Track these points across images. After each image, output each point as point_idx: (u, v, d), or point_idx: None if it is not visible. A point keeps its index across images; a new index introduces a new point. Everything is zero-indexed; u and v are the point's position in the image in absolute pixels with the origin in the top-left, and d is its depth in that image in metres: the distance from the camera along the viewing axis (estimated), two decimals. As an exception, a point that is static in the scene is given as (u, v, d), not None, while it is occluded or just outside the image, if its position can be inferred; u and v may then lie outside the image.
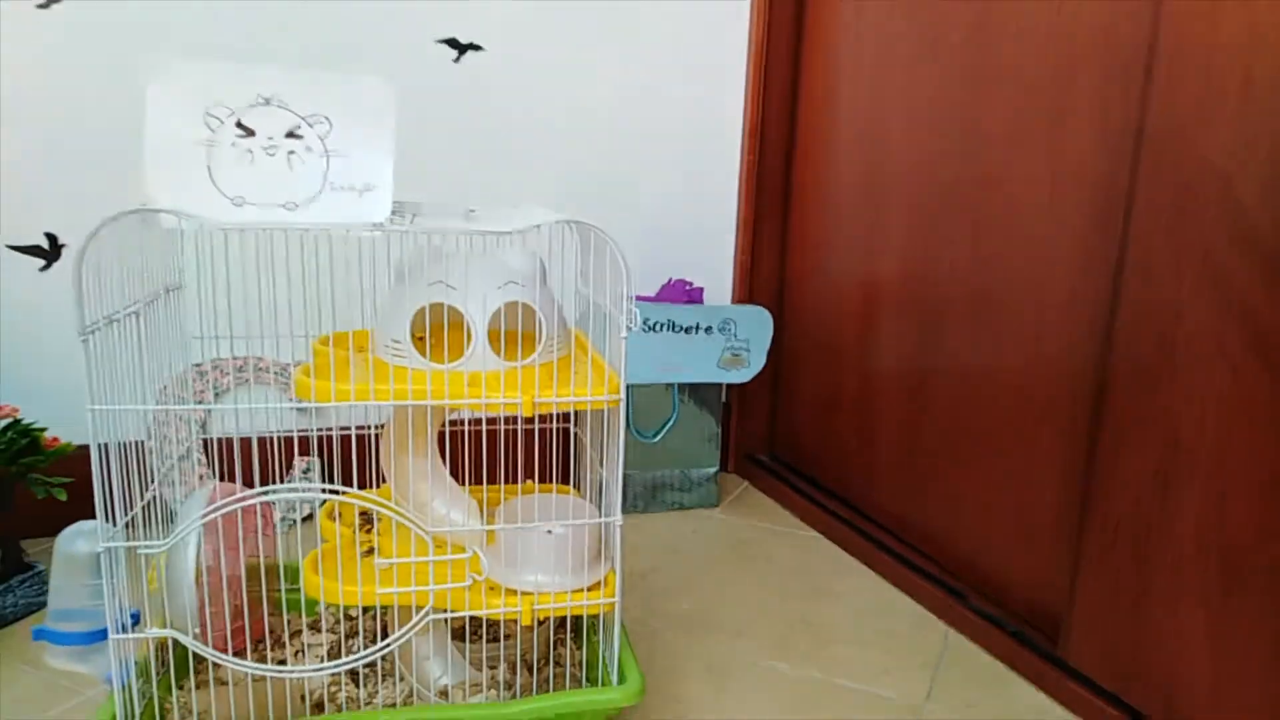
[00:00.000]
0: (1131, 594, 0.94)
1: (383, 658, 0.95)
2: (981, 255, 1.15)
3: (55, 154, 1.25)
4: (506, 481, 1.04)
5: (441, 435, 0.94)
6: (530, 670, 0.96)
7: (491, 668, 0.95)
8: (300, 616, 1.02)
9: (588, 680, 0.96)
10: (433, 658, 0.91)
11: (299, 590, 0.86)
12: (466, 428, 1.05)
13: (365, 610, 1.04)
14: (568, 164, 1.50)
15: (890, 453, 1.36)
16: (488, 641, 0.99)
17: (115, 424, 0.74)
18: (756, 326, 1.47)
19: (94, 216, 0.69)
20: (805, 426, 1.58)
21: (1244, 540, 0.83)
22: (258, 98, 0.72)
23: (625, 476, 1.47)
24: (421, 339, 0.86)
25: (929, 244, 1.25)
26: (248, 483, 0.86)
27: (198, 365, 1.34)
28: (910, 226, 1.28)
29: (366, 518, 0.96)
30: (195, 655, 0.89)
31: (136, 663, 0.81)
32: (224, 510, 0.80)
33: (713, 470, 1.54)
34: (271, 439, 0.95)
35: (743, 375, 1.48)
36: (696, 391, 1.51)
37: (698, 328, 1.44)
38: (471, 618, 0.99)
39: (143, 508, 0.78)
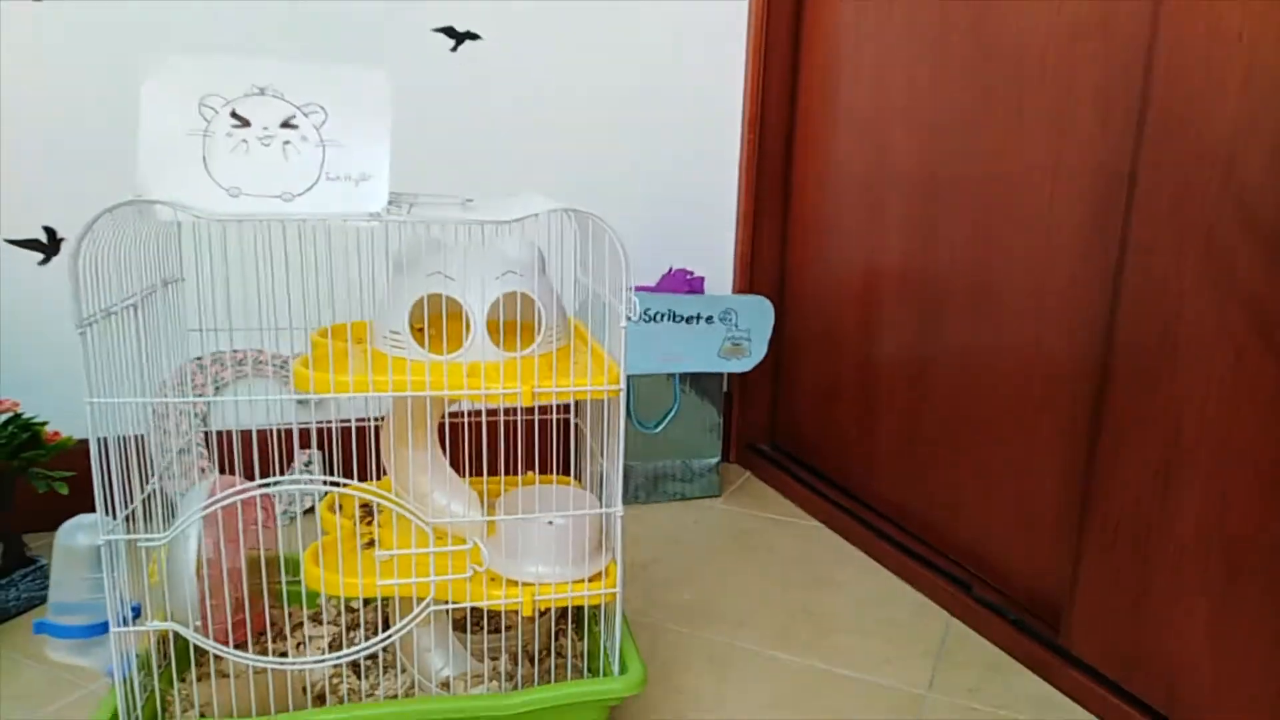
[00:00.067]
0: (1133, 582, 0.94)
1: (384, 649, 0.95)
2: (982, 243, 1.15)
3: (54, 149, 1.25)
4: (507, 473, 1.04)
5: (442, 427, 0.93)
6: (532, 661, 0.96)
7: (493, 659, 0.94)
8: (302, 609, 1.02)
9: (589, 671, 0.96)
10: (434, 649, 0.91)
11: (300, 582, 0.86)
12: (466, 419, 1.04)
13: (366, 602, 1.04)
14: (567, 153, 1.50)
15: (891, 442, 1.36)
16: (489, 633, 0.99)
17: (115, 417, 0.74)
18: (757, 316, 1.47)
19: (92, 210, 0.69)
20: (806, 416, 1.58)
21: (1246, 528, 0.83)
22: (252, 87, 0.72)
23: (626, 467, 1.47)
24: (421, 330, 0.86)
25: (929, 233, 1.24)
26: (248, 476, 0.86)
27: (198, 359, 1.33)
28: (911, 215, 1.28)
29: (367, 510, 0.96)
30: (196, 648, 0.89)
31: (138, 656, 0.81)
32: (224, 503, 0.80)
33: (714, 460, 1.54)
34: (272, 432, 0.95)
35: (744, 365, 1.48)
36: (698, 381, 1.51)
37: (698, 317, 1.44)
38: (473, 609, 0.99)
39: (143, 501, 0.78)
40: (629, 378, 1.46)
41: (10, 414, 1.13)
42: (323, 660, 0.85)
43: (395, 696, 0.90)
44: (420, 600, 0.83)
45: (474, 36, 1.40)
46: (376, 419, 0.94)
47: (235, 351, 1.36)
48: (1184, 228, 0.86)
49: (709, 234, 1.62)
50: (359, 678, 0.92)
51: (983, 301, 1.16)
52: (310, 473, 1.38)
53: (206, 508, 0.80)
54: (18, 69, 1.22)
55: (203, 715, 0.85)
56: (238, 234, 0.84)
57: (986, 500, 1.18)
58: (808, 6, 1.50)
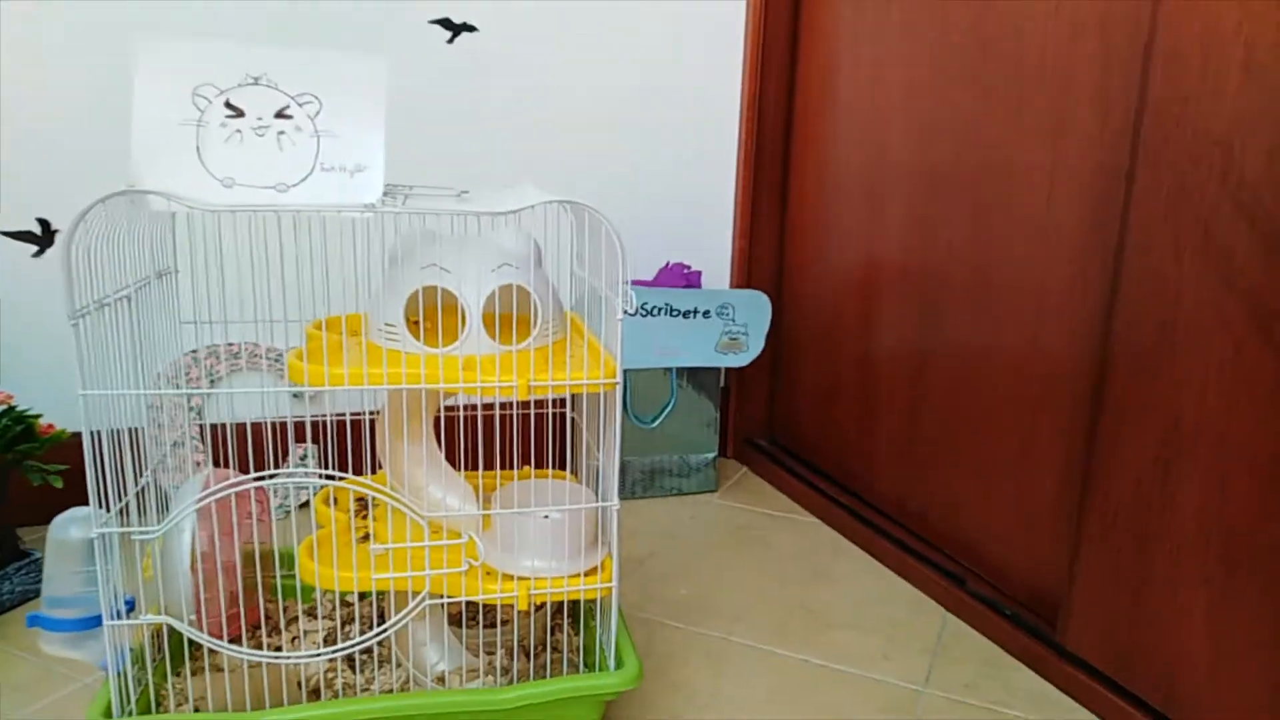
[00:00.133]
0: (1131, 578, 0.94)
1: (380, 643, 0.94)
2: (981, 240, 1.15)
3: (48, 139, 1.24)
4: (503, 467, 1.04)
5: (437, 420, 0.93)
6: (527, 656, 0.96)
7: (489, 653, 0.94)
8: (297, 603, 1.02)
9: (585, 665, 0.96)
10: (429, 643, 0.91)
11: (295, 576, 0.85)
12: (462, 413, 1.04)
13: (362, 596, 1.03)
14: (565, 152, 1.49)
15: (889, 437, 1.36)
16: (485, 627, 0.99)
17: (108, 410, 0.73)
18: (754, 311, 1.46)
19: (86, 202, 0.68)
20: (804, 411, 1.58)
21: (1245, 521, 0.82)
22: (246, 77, 0.71)
23: (623, 462, 1.46)
24: (416, 323, 0.85)
25: (928, 228, 1.24)
26: (243, 469, 0.85)
27: (192, 351, 1.33)
28: (909, 210, 1.28)
29: (362, 503, 0.95)
30: (191, 642, 0.89)
31: (132, 649, 0.80)
32: (218, 495, 0.80)
33: (711, 455, 1.53)
34: (267, 425, 0.94)
35: (741, 359, 1.48)
36: (695, 376, 1.50)
37: (695, 312, 1.43)
38: (468, 603, 0.99)
39: (137, 494, 0.78)
40: (626, 372, 1.46)
41: (4, 407, 1.12)
42: (318, 654, 0.85)
43: (391, 691, 0.89)
44: (416, 594, 0.83)
45: (470, 28, 1.40)
46: (372, 412, 0.93)
47: (230, 344, 1.36)
48: (1182, 224, 0.85)
49: (707, 231, 1.62)
50: (354, 672, 0.92)
51: (982, 298, 1.15)
52: (306, 466, 1.38)
53: (201, 501, 0.79)
54: (13, 61, 1.21)
55: (197, 709, 0.85)
56: (232, 225, 0.84)
57: (985, 496, 1.18)
58: (806, 6, 1.49)
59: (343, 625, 1.00)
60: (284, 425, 1.25)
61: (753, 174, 1.58)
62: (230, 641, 0.81)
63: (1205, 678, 0.88)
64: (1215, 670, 0.87)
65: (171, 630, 0.81)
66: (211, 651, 0.88)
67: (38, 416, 1.14)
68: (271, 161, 0.72)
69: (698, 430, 1.52)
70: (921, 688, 1.02)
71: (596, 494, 0.88)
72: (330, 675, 0.91)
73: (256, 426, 1.20)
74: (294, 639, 0.97)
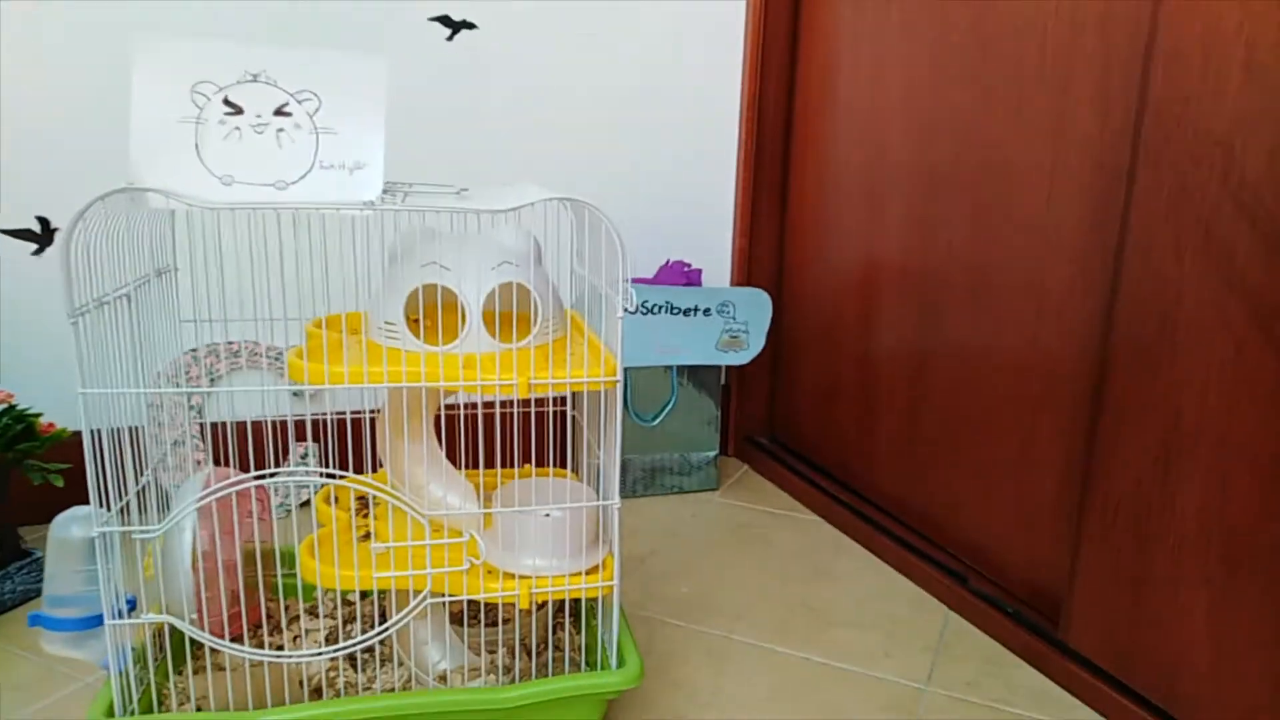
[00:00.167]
0: (1132, 576, 0.94)
1: (381, 642, 0.94)
2: (981, 240, 1.14)
3: (48, 137, 1.24)
4: (503, 465, 1.04)
5: (438, 419, 0.93)
6: (529, 654, 0.96)
7: (490, 652, 0.94)
8: (298, 601, 1.02)
9: (587, 664, 0.96)
10: (431, 642, 0.91)
11: (296, 575, 0.85)
12: (462, 411, 1.04)
13: (363, 595, 1.03)
14: (565, 152, 1.49)
15: (890, 435, 1.36)
16: (486, 626, 0.98)
17: (108, 408, 0.73)
18: (755, 309, 1.46)
19: (86, 200, 0.68)
20: (805, 409, 1.58)
21: (1246, 520, 0.82)
22: (245, 74, 0.71)
23: (624, 460, 1.46)
24: (416, 321, 0.85)
25: (928, 228, 1.24)
26: (244, 468, 0.85)
27: (192, 350, 1.33)
28: (909, 210, 1.27)
29: (363, 502, 0.95)
30: (192, 641, 0.89)
31: (133, 648, 0.80)
32: (219, 494, 0.80)
33: (712, 454, 1.53)
34: (267, 424, 0.94)
35: (741, 357, 1.47)
36: (695, 374, 1.50)
37: (696, 310, 1.43)
38: (470, 602, 0.99)
39: (138, 493, 0.78)
40: (626, 370, 1.46)
41: (4, 405, 1.12)
42: (319, 653, 0.85)
43: (392, 690, 0.89)
44: (417, 593, 0.83)
45: (470, 26, 1.39)
46: (372, 411, 0.93)
47: (230, 343, 1.36)
48: (1183, 224, 0.85)
49: (707, 231, 1.62)
50: (356, 671, 0.92)
51: (982, 297, 1.15)
52: (306, 465, 1.38)
53: (201, 500, 0.79)
54: (14, 61, 1.21)
55: (198, 709, 0.85)
56: (231, 223, 0.83)
57: (985, 495, 1.18)
58: (805, 5, 1.49)
59: (344, 624, 0.99)
60: (284, 424, 1.25)
61: (753, 173, 1.58)
62: (231, 640, 0.81)
63: (1206, 676, 0.87)
64: (1216, 668, 0.86)
65: (173, 629, 0.81)
66: (213, 650, 0.88)
67: (38, 415, 1.14)
68: (270, 159, 0.71)
69: (698, 428, 1.52)
70: (923, 685, 1.02)
71: (597, 492, 0.88)
72: (331, 674, 0.91)
73: (257, 425, 1.20)
74: (295, 638, 0.97)
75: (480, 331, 0.81)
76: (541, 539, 0.85)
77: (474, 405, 1.08)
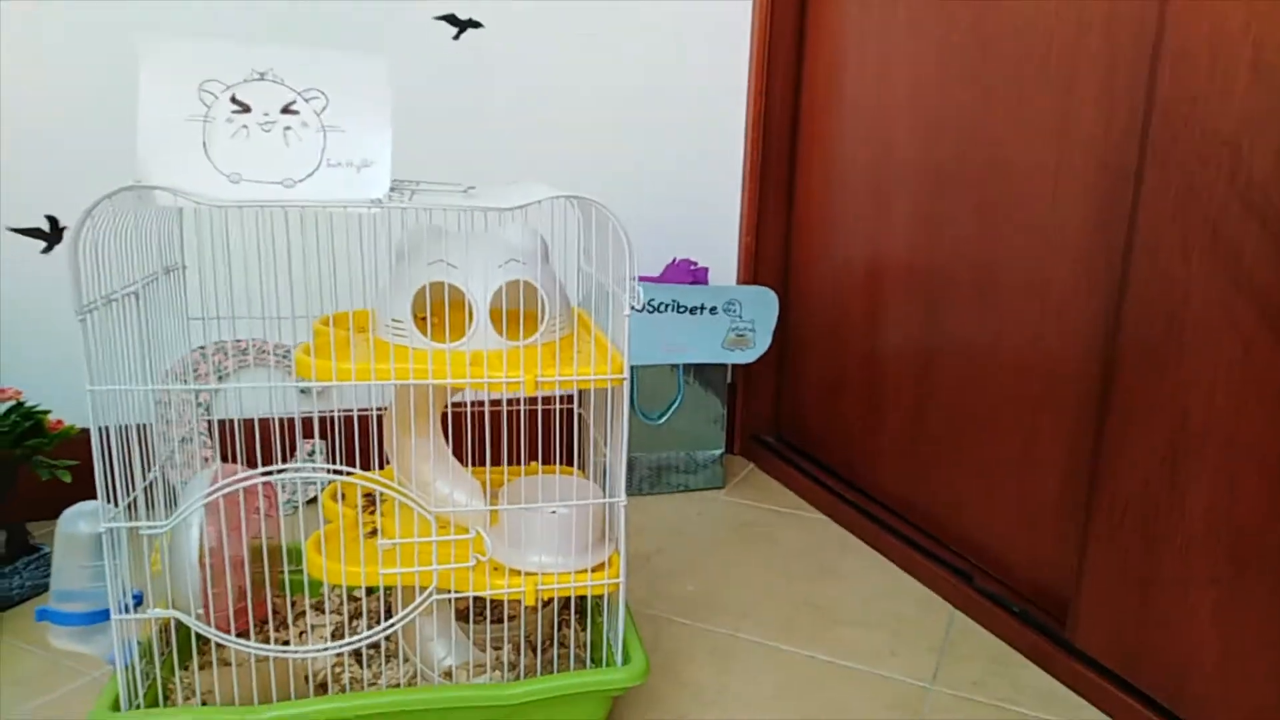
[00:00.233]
0: (1139, 575, 0.93)
1: (387, 638, 0.94)
2: (986, 237, 1.14)
3: (56, 137, 1.25)
4: (510, 462, 1.04)
5: (445, 416, 0.93)
6: (534, 651, 0.96)
7: (496, 649, 0.94)
8: (304, 597, 1.02)
9: (592, 661, 0.96)
10: (437, 638, 0.91)
11: (302, 571, 0.86)
12: (469, 408, 1.04)
13: (369, 591, 1.03)
14: (569, 145, 1.49)
15: (896, 434, 1.35)
16: (492, 622, 0.99)
17: (115, 405, 0.73)
18: (761, 307, 1.46)
19: (94, 198, 0.68)
20: (811, 408, 1.57)
21: (1254, 520, 0.82)
22: (252, 72, 0.71)
23: (630, 458, 1.46)
24: (423, 319, 0.85)
25: (934, 226, 1.24)
26: (251, 464, 0.85)
27: (200, 347, 1.33)
28: (915, 208, 1.27)
29: (370, 499, 0.96)
30: (198, 636, 0.89)
31: (139, 643, 0.81)
32: (226, 490, 0.80)
33: (718, 452, 1.53)
34: (274, 421, 0.94)
35: (748, 356, 1.47)
36: (702, 373, 1.50)
37: (702, 308, 1.43)
38: (475, 598, 0.99)
39: (145, 489, 0.78)
40: (632, 368, 1.46)
41: (13, 402, 1.13)
42: (325, 649, 0.85)
43: (398, 685, 0.90)
44: (423, 589, 0.83)
45: (476, 24, 1.39)
46: (379, 408, 0.93)
47: (238, 340, 1.36)
48: (1191, 224, 0.85)
49: (713, 230, 1.62)
50: (361, 667, 0.92)
51: (988, 296, 1.15)
52: (314, 462, 1.38)
53: (209, 496, 0.80)
54: (18, 58, 1.22)
55: (204, 703, 0.85)
56: (239, 221, 0.84)
57: (991, 493, 1.17)
58: (812, 4, 1.49)
59: (350, 620, 1.00)
60: (292, 421, 1.25)
61: (759, 171, 1.58)
62: (238, 636, 0.82)
63: (1214, 676, 0.87)
64: (1224, 669, 0.86)
65: (179, 624, 0.82)
66: (219, 646, 0.88)
67: (46, 412, 1.14)
68: (278, 156, 0.72)
69: (704, 426, 1.52)
70: (929, 685, 1.02)
71: (603, 490, 0.88)
72: (338, 670, 0.91)
73: (264, 422, 1.21)
74: (301, 634, 0.97)
75: (487, 329, 0.81)
76: (548, 536, 0.85)
77: (481, 403, 1.08)
